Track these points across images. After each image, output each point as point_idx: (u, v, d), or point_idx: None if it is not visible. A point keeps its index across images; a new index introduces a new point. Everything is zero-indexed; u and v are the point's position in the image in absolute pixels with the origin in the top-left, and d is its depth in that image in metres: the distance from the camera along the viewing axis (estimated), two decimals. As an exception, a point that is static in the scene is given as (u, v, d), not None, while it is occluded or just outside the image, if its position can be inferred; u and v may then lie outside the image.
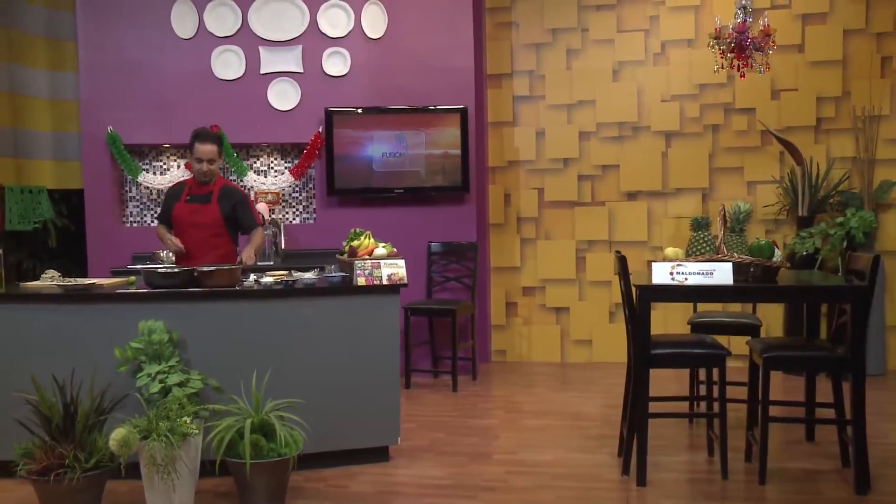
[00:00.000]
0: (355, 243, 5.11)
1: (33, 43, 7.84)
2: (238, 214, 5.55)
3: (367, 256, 4.99)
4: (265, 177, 7.56)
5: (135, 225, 7.65)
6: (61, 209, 8.05)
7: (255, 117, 7.40)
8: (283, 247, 7.22)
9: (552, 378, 7.40)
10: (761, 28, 5.55)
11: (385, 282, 4.87)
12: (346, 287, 4.87)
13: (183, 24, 7.35)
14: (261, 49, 7.38)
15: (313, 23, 7.38)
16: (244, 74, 7.39)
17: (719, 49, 5.71)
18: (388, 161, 7.36)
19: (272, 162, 7.64)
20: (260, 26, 7.37)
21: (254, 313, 4.78)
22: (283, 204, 7.61)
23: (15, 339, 4.78)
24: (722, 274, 4.46)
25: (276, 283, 4.88)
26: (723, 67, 5.79)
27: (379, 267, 4.88)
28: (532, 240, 8.12)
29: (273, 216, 7.34)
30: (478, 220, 7.65)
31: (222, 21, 7.37)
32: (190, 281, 4.84)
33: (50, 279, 5.20)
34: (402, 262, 4.93)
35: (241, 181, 7.47)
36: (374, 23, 7.39)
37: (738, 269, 4.57)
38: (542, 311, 8.11)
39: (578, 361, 8.00)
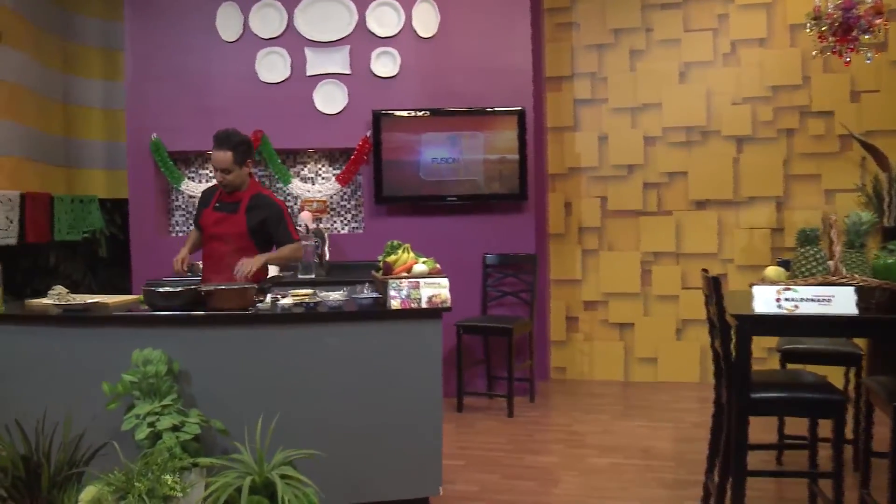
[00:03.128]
0: (391, 258, 3.84)
1: (88, 53, 6.88)
2: (270, 229, 4.26)
3: (404, 274, 3.73)
4: (312, 184, 6.35)
5: (180, 234, 6.52)
6: (114, 218, 7.00)
7: (300, 121, 6.20)
8: (327, 258, 6.00)
9: (615, 400, 6.02)
10: (870, 3, 4.11)
11: (424, 304, 3.59)
12: (378, 311, 3.60)
13: (228, 26, 6.20)
14: (307, 50, 6.18)
15: (361, 22, 6.16)
16: (289, 77, 6.20)
17: (818, 31, 4.30)
18: (441, 166, 6.08)
19: (320, 168, 6.44)
20: (306, 26, 6.17)
21: (268, 341, 3.56)
22: (332, 212, 6.40)
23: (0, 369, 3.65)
24: (843, 300, 3.08)
25: (297, 304, 3.64)
26: (822, 53, 4.37)
27: (417, 287, 3.61)
28: (594, 251, 6.76)
29: (319, 225, 6.13)
30: (536, 230, 6.33)
31: (268, 22, 6.19)
32: (195, 302, 3.64)
33: (56, 296, 4.02)
34: (445, 281, 3.64)
35: (286, 189, 6.28)
36: (426, 21, 6.13)
37: (858, 295, 3.16)
38: (605, 326, 6.73)
39: (643, 381, 6.61)
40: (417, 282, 3.62)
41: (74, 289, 6.51)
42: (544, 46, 6.74)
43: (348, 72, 6.18)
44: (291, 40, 6.20)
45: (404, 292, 3.60)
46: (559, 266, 6.83)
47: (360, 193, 6.38)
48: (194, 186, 6.30)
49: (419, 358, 3.57)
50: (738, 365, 3.18)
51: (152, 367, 3.37)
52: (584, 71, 6.75)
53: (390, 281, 3.62)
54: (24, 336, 3.68)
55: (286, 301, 3.68)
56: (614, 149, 6.67)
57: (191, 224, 6.49)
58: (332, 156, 6.43)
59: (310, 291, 3.82)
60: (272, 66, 6.19)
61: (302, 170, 6.43)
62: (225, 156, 4.13)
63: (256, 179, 4.48)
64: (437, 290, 3.61)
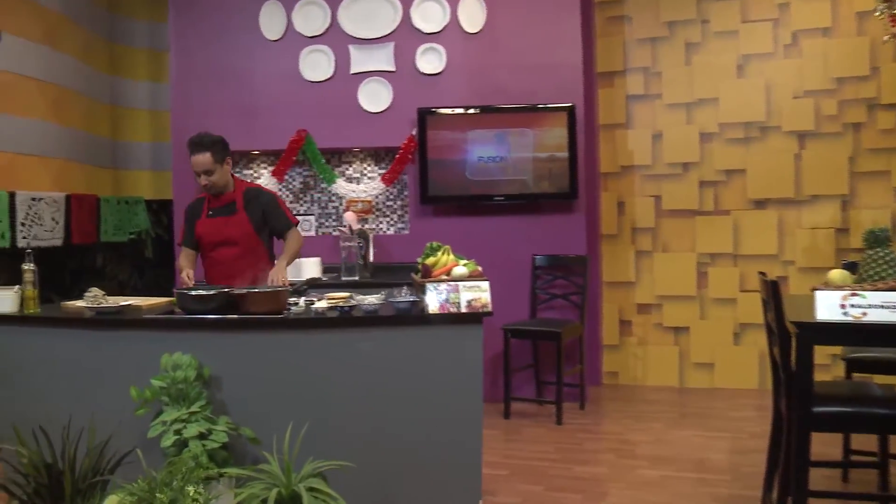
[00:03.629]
0: (430, 260, 3.68)
1: (135, 55, 6.92)
2: (268, 217, 4.18)
3: (444, 276, 3.56)
4: (357, 184, 6.23)
5: (227, 236, 6.46)
6: (160, 219, 7.00)
7: (344, 120, 6.09)
8: (371, 259, 5.87)
9: (669, 407, 5.76)
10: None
11: (464, 309, 3.41)
12: (414, 316, 3.44)
13: (271, 25, 6.12)
14: (351, 48, 6.07)
15: (406, 18, 6.02)
16: (333, 75, 6.09)
17: (889, 14, 4.01)
18: (488, 165, 5.91)
19: (365, 168, 6.32)
20: (350, 24, 6.06)
21: (301, 346, 3.43)
22: (377, 213, 6.27)
23: (30, 371, 3.60)
24: (917, 306, 2.82)
25: (331, 308, 3.51)
26: (894, 38, 4.07)
27: (456, 290, 3.44)
28: (648, 252, 6.50)
29: (363, 226, 6.01)
30: (588, 230, 6.10)
31: (311, 20, 6.10)
32: (228, 305, 3.53)
33: (91, 298, 3.95)
34: (485, 285, 3.46)
35: (331, 189, 6.17)
36: (472, 16, 5.96)
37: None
38: (659, 330, 6.47)
39: (698, 387, 6.32)
40: (457, 285, 3.45)
41: (121, 290, 6.55)
42: (595, 41, 6.51)
43: (393, 69, 6.04)
44: (335, 38, 6.09)
45: (443, 296, 3.43)
46: (612, 268, 6.59)
47: (406, 193, 6.24)
48: (238, 187, 6.22)
49: (458, 365, 3.39)
50: (799, 376, 2.94)
51: (181, 372, 3.27)
52: (636, 66, 6.50)
53: (428, 284, 3.46)
54: (57, 338, 3.63)
55: (320, 304, 3.54)
56: (669, 146, 6.41)
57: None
58: (377, 155, 6.30)
59: (346, 294, 3.68)
60: (316, 65, 6.09)
61: (347, 169, 6.32)
62: (204, 158, 4.01)
63: (239, 177, 4.37)
64: (477, 293, 3.44)
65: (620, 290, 6.57)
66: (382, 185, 6.09)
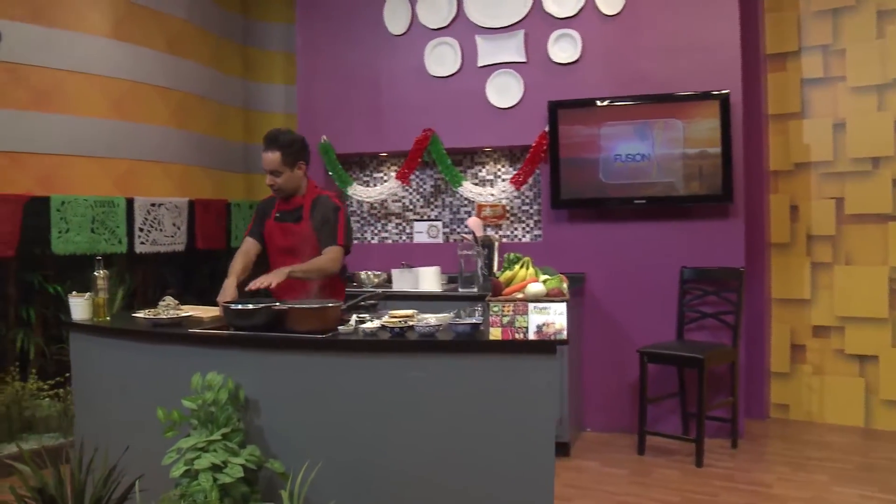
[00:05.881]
0: (506, 275, 3.10)
1: (270, 58, 6.82)
2: (322, 226, 3.71)
3: (518, 294, 2.98)
4: (490, 186, 5.73)
5: (355, 242, 6.17)
6: (297, 225, 6.84)
7: (472, 117, 5.61)
8: (495, 270, 5.33)
9: (844, 455, 4.73)
10: None
11: (532, 336, 2.82)
12: (469, 342, 2.88)
13: (395, 19, 5.78)
14: (478, 38, 5.58)
15: (537, 3, 5.44)
16: (460, 69, 5.64)
17: None
18: (627, 164, 5.20)
19: (499, 170, 5.80)
20: (476, 13, 5.58)
21: (343, 371, 2.97)
22: (512, 218, 5.74)
23: (86, 380, 3.48)
24: None
25: (382, 329, 3.03)
26: None
27: (524, 312, 2.84)
28: (827, 265, 5.49)
29: (496, 233, 5.49)
30: (748, 239, 5.23)
31: (436, 11, 5.68)
32: (274, 322, 3.14)
33: (164, 307, 3.74)
34: (560, 307, 2.83)
35: (457, 192, 5.71)
36: (611, -4, 5.30)
37: None
38: (840, 358, 5.43)
39: (888, 429, 5.24)
40: (525, 306, 2.86)
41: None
42: (762, 17, 5.60)
43: (523, 60, 5.49)
44: (461, 29, 5.64)
45: (507, 318, 2.85)
46: (782, 283, 5.64)
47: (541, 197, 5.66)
48: (363, 191, 5.91)
49: (523, 402, 2.79)
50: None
51: (211, 393, 2.92)
52: (813, 44, 5.51)
53: (491, 304, 2.89)
54: (109, 349, 3.46)
55: (372, 324, 3.08)
56: (854, 138, 5.38)
57: (365, 230, 6.14)
58: (512, 155, 5.77)
59: (409, 312, 3.18)
60: (441, 59, 5.67)
61: (480, 171, 5.83)
62: (273, 156, 3.65)
63: (316, 185, 3.94)
64: (548, 317, 2.82)
65: (792, 308, 5.60)
66: (511, 188, 5.55)
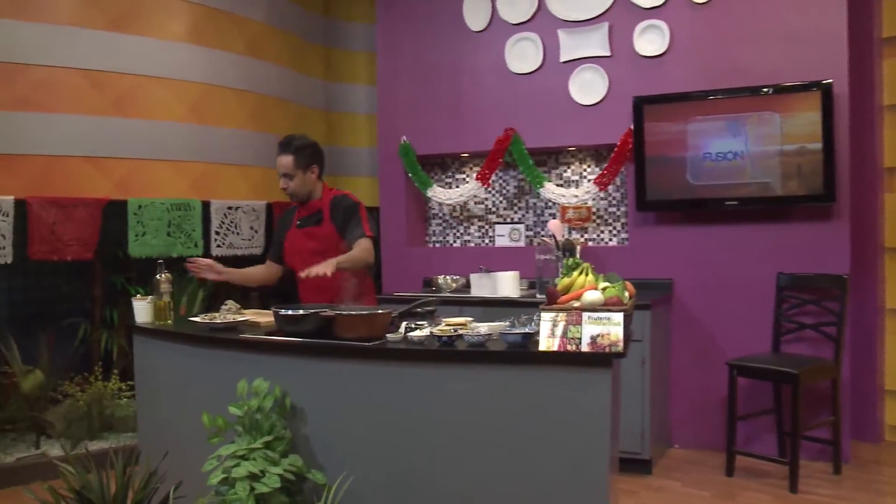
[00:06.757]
0: (563, 283, 2.89)
1: (351, 59, 6.80)
2: (345, 224, 3.69)
3: (574, 303, 2.75)
4: (575, 187, 5.48)
5: (436, 245, 6.05)
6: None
7: (554, 116, 5.39)
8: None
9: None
10: None
11: (585, 347, 2.58)
12: (517, 353, 2.67)
13: (475, 14, 5.62)
14: (560, 33, 5.34)
15: (622, -8, 5.18)
16: (542, 65, 5.42)
17: None
18: (719, 162, 4.85)
19: (585, 170, 5.54)
20: (558, 5, 5.34)
21: (388, 381, 2.83)
22: (599, 221, 5.47)
23: (147, 383, 3.49)
24: None
25: (429, 338, 2.86)
26: None
27: (578, 322, 2.62)
28: (947, 272, 4.99)
29: (582, 236, 5.25)
30: (855, 242, 4.79)
31: (517, 5, 5.48)
32: (323, 328, 3.03)
33: (226, 311, 3.71)
34: (617, 317, 2.59)
35: (539, 193, 5.49)
36: (702, -17, 4.96)
37: None
38: (962, 375, 4.92)
39: None
40: (579, 316, 2.63)
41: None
42: None
43: (608, 53, 5.22)
44: (543, 23, 5.41)
45: (559, 328, 2.63)
46: (896, 291, 5.16)
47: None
48: (443, 193, 5.77)
49: (575, 418, 2.57)
50: None
51: (256, 400, 2.84)
52: (934, 28, 5.02)
53: (543, 312, 2.68)
54: (167, 353, 3.45)
55: (420, 332, 2.92)
56: (980, 131, 4.86)
57: (447, 233, 6.00)
58: (598, 155, 5.51)
59: (464, 320, 3.01)
60: (523, 55, 5.46)
61: (564, 171, 5.59)
62: (286, 160, 3.71)
63: (331, 188, 3.89)
64: (604, 327, 2.59)
65: (908, 320, 5.11)
66: (594, 189, 5.28)
